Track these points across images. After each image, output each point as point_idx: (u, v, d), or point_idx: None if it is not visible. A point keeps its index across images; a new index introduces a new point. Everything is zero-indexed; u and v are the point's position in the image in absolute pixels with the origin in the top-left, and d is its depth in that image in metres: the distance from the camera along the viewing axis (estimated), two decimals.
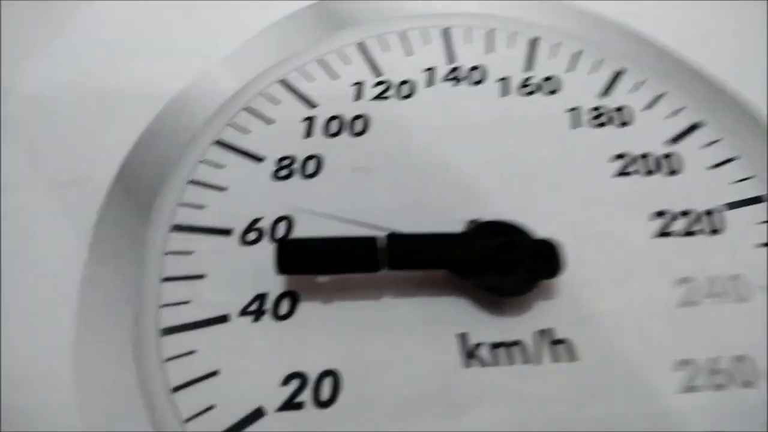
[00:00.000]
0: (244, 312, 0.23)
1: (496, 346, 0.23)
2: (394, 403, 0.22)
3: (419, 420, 0.21)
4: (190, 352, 0.22)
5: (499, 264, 0.22)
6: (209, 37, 0.31)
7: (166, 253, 0.25)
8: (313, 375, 0.22)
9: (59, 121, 0.28)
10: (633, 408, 0.22)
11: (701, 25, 0.32)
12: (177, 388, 0.22)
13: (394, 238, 0.23)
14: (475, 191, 0.26)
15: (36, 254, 0.24)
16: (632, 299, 0.24)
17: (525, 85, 0.30)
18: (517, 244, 0.23)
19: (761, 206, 0.26)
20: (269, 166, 0.27)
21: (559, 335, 0.23)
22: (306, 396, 0.22)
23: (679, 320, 0.23)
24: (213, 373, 0.22)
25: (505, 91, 0.30)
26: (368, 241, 0.23)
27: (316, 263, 0.23)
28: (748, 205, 0.26)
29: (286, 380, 0.22)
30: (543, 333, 0.23)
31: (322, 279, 0.24)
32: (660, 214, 0.26)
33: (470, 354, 0.22)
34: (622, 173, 0.27)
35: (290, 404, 0.21)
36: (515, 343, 0.23)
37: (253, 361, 0.22)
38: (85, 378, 0.22)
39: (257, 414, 0.21)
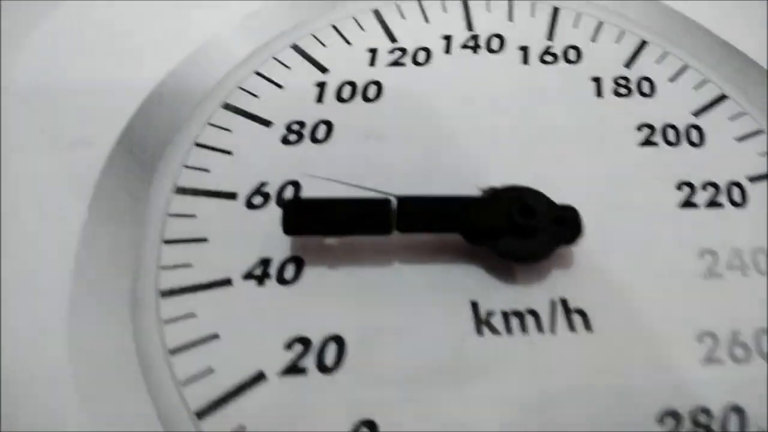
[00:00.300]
0: (247, 276, 0.22)
1: (509, 314, 0.22)
2: (400, 371, 0.21)
3: (427, 388, 0.20)
4: (190, 315, 0.22)
5: (517, 228, 0.21)
6: (223, 1, 0.30)
7: (169, 215, 0.24)
8: (317, 340, 0.21)
9: (66, 81, 0.27)
10: (650, 379, 0.21)
11: None
12: (174, 351, 0.21)
13: (405, 199, 0.22)
14: (492, 159, 0.25)
15: (36, 212, 0.24)
16: (653, 270, 0.23)
17: (546, 54, 0.29)
18: (536, 209, 0.22)
19: None
20: (278, 130, 0.26)
21: (576, 305, 0.22)
22: (309, 361, 0.21)
23: (701, 292, 0.22)
24: (213, 337, 0.21)
25: (525, 60, 0.29)
26: (382, 202, 0.22)
27: (326, 223, 0.22)
28: None
29: (289, 345, 0.21)
30: (558, 302, 0.22)
31: (330, 243, 0.23)
32: (684, 184, 0.25)
33: (482, 322, 0.22)
34: (646, 143, 0.26)
35: (293, 369, 0.21)
36: (529, 312, 0.22)
37: (256, 325, 0.21)
38: (79, 338, 0.21)
39: (258, 378, 0.20)
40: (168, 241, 0.23)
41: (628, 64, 0.28)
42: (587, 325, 0.22)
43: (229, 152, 0.25)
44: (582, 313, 0.22)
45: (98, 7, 0.29)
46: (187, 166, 0.25)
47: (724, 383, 0.21)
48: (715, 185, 0.25)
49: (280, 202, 0.24)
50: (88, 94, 0.26)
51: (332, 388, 0.20)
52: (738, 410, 0.20)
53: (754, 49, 0.29)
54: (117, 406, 0.20)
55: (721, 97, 0.27)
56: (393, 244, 0.23)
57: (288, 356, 0.21)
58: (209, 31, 0.29)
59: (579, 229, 0.22)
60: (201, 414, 0.20)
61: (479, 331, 0.21)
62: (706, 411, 0.20)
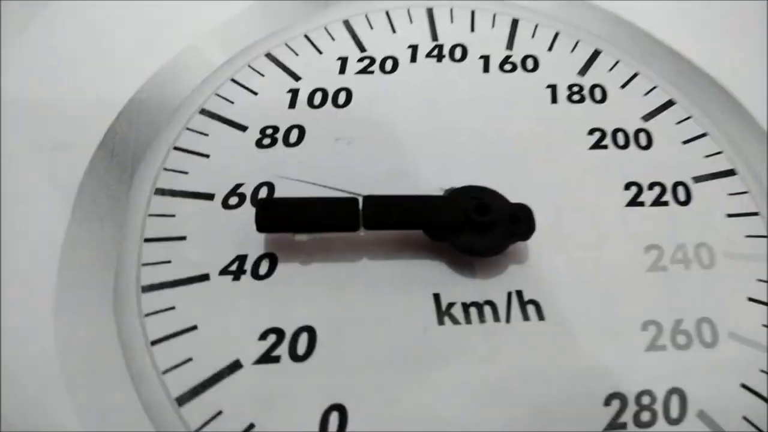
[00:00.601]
0: (224, 271, 0.24)
1: (468, 305, 0.23)
2: (368, 358, 0.22)
3: (392, 374, 0.22)
4: (170, 308, 0.23)
5: (474, 225, 0.23)
6: (200, 10, 0.31)
7: (149, 215, 0.25)
8: (290, 330, 0.23)
9: (50, 88, 0.28)
10: (598, 364, 0.23)
11: (672, 7, 0.33)
12: (155, 342, 0.22)
13: (370, 198, 0.23)
14: (454, 161, 0.27)
15: (21, 213, 0.25)
16: (602, 264, 0.25)
17: (506, 63, 0.30)
18: (491, 207, 0.23)
19: (727, 179, 0.27)
20: (252, 134, 0.27)
21: (530, 296, 0.24)
22: (282, 350, 0.22)
23: (647, 285, 0.24)
24: (191, 328, 0.22)
25: (486, 68, 0.30)
26: (350, 202, 0.23)
27: (297, 221, 0.23)
28: (715, 178, 0.27)
29: (264, 335, 0.22)
30: (514, 294, 0.24)
31: (301, 240, 0.24)
32: (632, 184, 0.27)
33: (443, 312, 0.23)
34: (597, 146, 0.28)
35: (267, 357, 0.22)
36: (487, 303, 0.23)
37: (232, 317, 0.23)
38: (64, 331, 0.22)
39: (235, 366, 0.22)
40: (148, 240, 0.24)
41: (582, 72, 0.30)
42: (540, 315, 0.23)
43: (206, 155, 0.27)
44: (535, 304, 0.23)
45: (80, 16, 0.30)
46: (166, 169, 0.26)
47: (667, 368, 0.23)
48: (661, 185, 0.27)
49: (255, 202, 0.25)
50: (71, 100, 0.28)
51: (304, 375, 0.22)
52: (679, 392, 0.22)
53: (701, 57, 0.31)
54: (102, 395, 0.21)
55: (669, 103, 0.29)
56: (361, 241, 0.24)
57: (262, 346, 0.22)
58: (187, 40, 0.30)
59: (532, 225, 0.24)
60: (181, 400, 0.21)
61: (441, 321, 0.23)
62: (649, 393, 0.22)
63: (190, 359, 0.22)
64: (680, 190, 0.27)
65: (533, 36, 0.32)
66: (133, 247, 0.24)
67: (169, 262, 0.24)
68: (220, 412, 0.21)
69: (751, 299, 0.24)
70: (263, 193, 0.26)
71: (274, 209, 0.24)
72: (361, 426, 0.21)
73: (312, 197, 0.24)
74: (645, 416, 0.22)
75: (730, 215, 0.26)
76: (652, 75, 0.30)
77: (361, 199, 0.23)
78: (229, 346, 0.22)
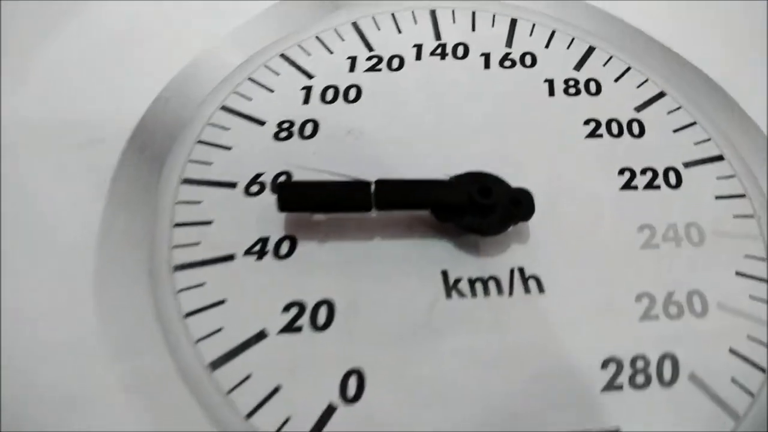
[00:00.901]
0: (248, 252, 0.26)
1: (474, 280, 0.25)
2: (382, 328, 0.24)
3: (404, 342, 0.24)
4: (200, 285, 0.25)
5: (477, 206, 0.25)
6: (217, 15, 0.34)
7: (177, 203, 0.27)
8: (310, 303, 0.24)
9: (83, 88, 0.30)
10: (594, 332, 0.24)
11: (662, 6, 0.35)
12: (188, 314, 0.24)
13: (382, 181, 0.25)
14: (458, 151, 0.29)
15: (62, 202, 0.27)
16: (598, 242, 0.26)
17: (505, 60, 0.32)
18: (494, 190, 0.25)
19: (716, 164, 0.29)
20: (270, 128, 0.29)
21: (531, 272, 0.25)
22: (304, 321, 0.24)
23: (640, 260, 0.26)
24: (221, 302, 0.24)
25: (487, 65, 0.32)
26: (363, 184, 0.25)
27: (315, 201, 0.25)
28: (704, 163, 0.29)
29: (287, 308, 0.24)
30: (516, 270, 0.25)
31: (319, 222, 0.26)
32: (625, 170, 0.28)
33: (451, 287, 0.25)
34: (593, 135, 0.29)
35: (290, 328, 0.24)
36: (491, 278, 0.25)
37: (257, 292, 0.25)
38: (105, 308, 0.24)
39: (261, 335, 0.24)
40: (178, 224, 0.26)
41: (578, 67, 0.32)
42: (541, 288, 0.25)
43: (228, 148, 0.29)
44: (536, 279, 0.25)
45: (109, 24, 0.33)
46: (191, 161, 0.28)
47: (660, 335, 0.25)
48: (653, 170, 0.29)
49: (274, 189, 0.27)
50: (102, 100, 0.30)
51: (324, 343, 0.24)
52: (671, 357, 0.24)
53: (689, 51, 0.33)
54: (140, 362, 0.23)
55: (660, 94, 0.31)
56: (373, 222, 0.26)
57: (286, 317, 0.24)
58: (206, 43, 0.32)
59: (532, 207, 0.26)
60: (214, 365, 0.23)
61: (449, 295, 0.25)
62: (643, 358, 0.24)
63: (220, 329, 0.24)
64: (671, 174, 0.28)
65: (531, 34, 0.34)
66: (164, 232, 0.26)
67: (198, 244, 0.26)
68: (249, 376, 0.23)
69: (738, 273, 0.26)
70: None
71: (295, 190, 0.26)
72: (378, 388, 0.23)
73: (329, 180, 0.26)
74: (640, 379, 0.24)
75: (718, 197, 0.28)
76: (643, 69, 0.32)
77: (373, 183, 0.25)
78: (255, 317, 0.24)
